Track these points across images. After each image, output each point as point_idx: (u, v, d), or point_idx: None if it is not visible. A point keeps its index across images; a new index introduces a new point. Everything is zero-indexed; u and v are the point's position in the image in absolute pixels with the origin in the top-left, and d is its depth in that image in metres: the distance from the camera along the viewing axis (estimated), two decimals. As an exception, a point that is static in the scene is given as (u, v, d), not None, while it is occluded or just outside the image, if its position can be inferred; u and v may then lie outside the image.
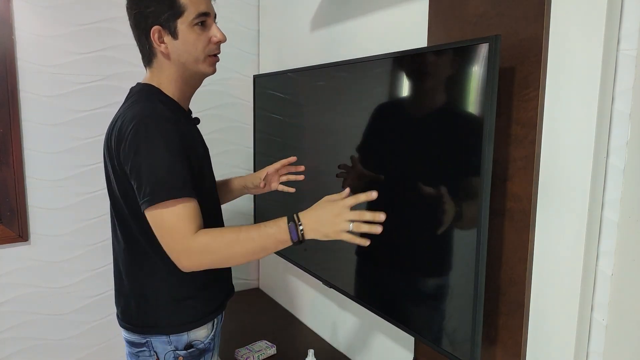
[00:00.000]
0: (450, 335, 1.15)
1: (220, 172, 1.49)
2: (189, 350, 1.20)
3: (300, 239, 1.03)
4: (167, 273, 1.15)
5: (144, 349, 1.19)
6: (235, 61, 2.31)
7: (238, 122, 2.36)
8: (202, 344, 1.22)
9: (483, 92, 1.01)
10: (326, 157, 1.55)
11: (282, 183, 1.47)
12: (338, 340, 1.89)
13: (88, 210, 2.03)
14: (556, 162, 1.04)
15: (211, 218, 1.24)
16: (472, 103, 1.05)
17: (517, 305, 1.12)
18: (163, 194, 1.02)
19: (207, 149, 1.29)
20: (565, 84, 1.01)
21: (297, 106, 1.71)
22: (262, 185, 1.45)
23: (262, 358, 1.79)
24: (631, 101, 0.95)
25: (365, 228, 1.00)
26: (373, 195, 1.03)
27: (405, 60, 1.23)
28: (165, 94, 1.17)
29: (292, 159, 1.44)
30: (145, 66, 1.20)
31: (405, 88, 1.26)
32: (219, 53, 1.20)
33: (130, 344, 1.22)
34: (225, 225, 1.33)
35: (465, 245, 1.08)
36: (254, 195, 2.05)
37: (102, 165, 1.22)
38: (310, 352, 1.61)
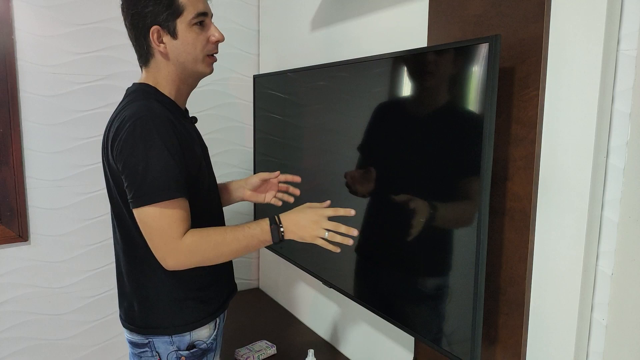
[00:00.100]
0: (450, 335, 1.15)
1: (220, 172, 1.49)
2: (191, 351, 1.19)
3: (281, 239, 1.13)
4: (167, 274, 1.15)
5: (146, 349, 1.19)
6: (235, 61, 2.31)
7: (238, 122, 2.36)
8: (205, 344, 1.22)
9: (483, 92, 1.01)
10: (326, 157, 1.55)
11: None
12: (338, 340, 1.89)
13: (88, 210, 2.03)
14: (556, 162, 1.04)
15: (211, 217, 1.24)
16: (472, 103, 1.05)
17: (517, 304, 1.12)
18: (153, 195, 1.03)
19: (206, 148, 1.29)
20: (565, 84, 1.01)
21: (297, 106, 1.71)
22: (259, 185, 1.43)
23: (262, 358, 1.79)
24: (631, 101, 0.95)
25: (339, 238, 1.11)
26: (351, 212, 1.13)
27: (405, 61, 1.23)
28: (162, 93, 1.17)
29: (297, 179, 1.41)
30: (141, 66, 1.20)
31: (405, 88, 1.26)
32: (217, 53, 1.20)
33: (133, 344, 1.22)
34: (226, 225, 1.33)
35: (465, 245, 1.08)
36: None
37: (102, 165, 1.22)
38: (310, 352, 1.61)
